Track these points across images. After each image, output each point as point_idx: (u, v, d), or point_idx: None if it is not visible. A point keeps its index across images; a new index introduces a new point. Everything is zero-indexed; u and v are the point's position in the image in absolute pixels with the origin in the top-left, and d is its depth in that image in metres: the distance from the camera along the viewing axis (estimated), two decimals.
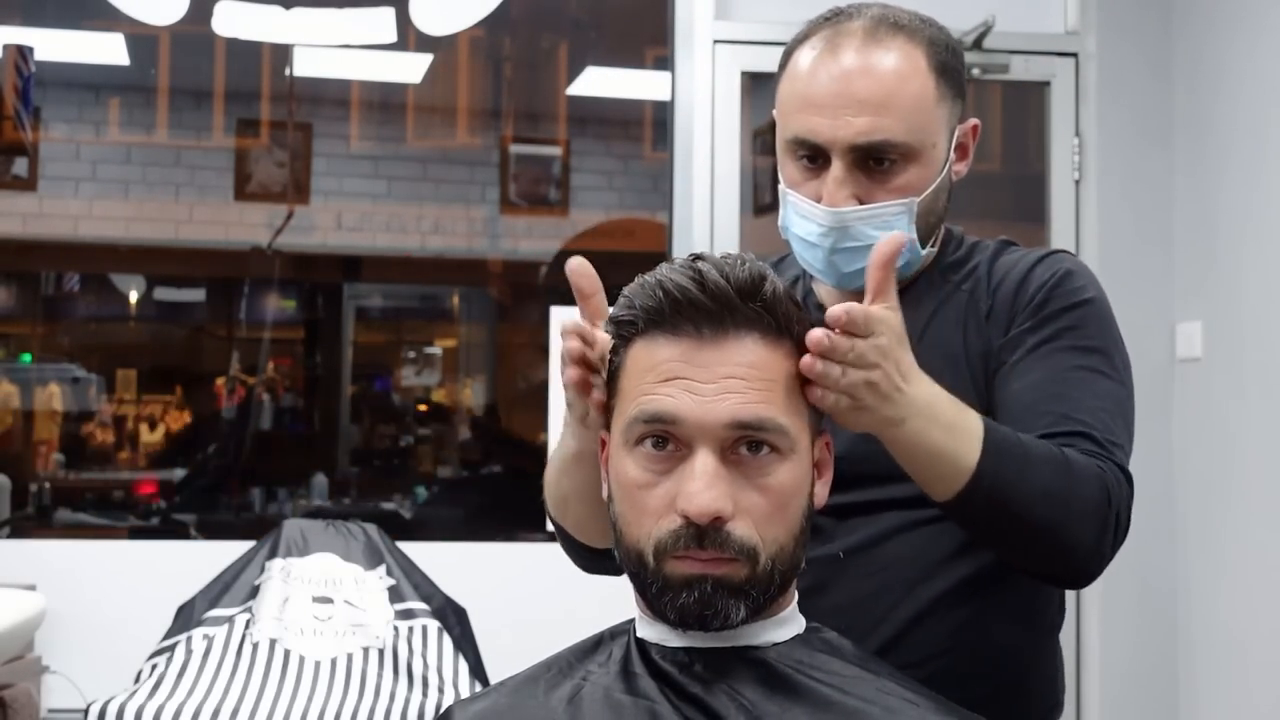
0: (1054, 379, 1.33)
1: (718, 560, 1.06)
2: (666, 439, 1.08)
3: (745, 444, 1.08)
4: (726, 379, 1.07)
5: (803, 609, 1.17)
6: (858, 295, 1.23)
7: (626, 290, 1.13)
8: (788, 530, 1.09)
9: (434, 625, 2.68)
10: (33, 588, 2.95)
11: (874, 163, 1.32)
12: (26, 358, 6.25)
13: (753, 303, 1.09)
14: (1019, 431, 1.25)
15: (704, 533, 1.05)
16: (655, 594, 1.08)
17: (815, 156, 1.33)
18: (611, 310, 1.15)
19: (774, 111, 1.40)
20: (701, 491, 1.05)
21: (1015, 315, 1.37)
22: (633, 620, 1.17)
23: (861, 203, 1.32)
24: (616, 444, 1.12)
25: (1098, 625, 3.21)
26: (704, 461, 1.06)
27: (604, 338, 1.14)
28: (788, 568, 1.10)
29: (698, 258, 1.11)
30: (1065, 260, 1.41)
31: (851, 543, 1.33)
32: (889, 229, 1.29)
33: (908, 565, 1.32)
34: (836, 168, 1.32)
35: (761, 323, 1.09)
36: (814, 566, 1.23)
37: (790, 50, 1.38)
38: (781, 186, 1.37)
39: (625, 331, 1.12)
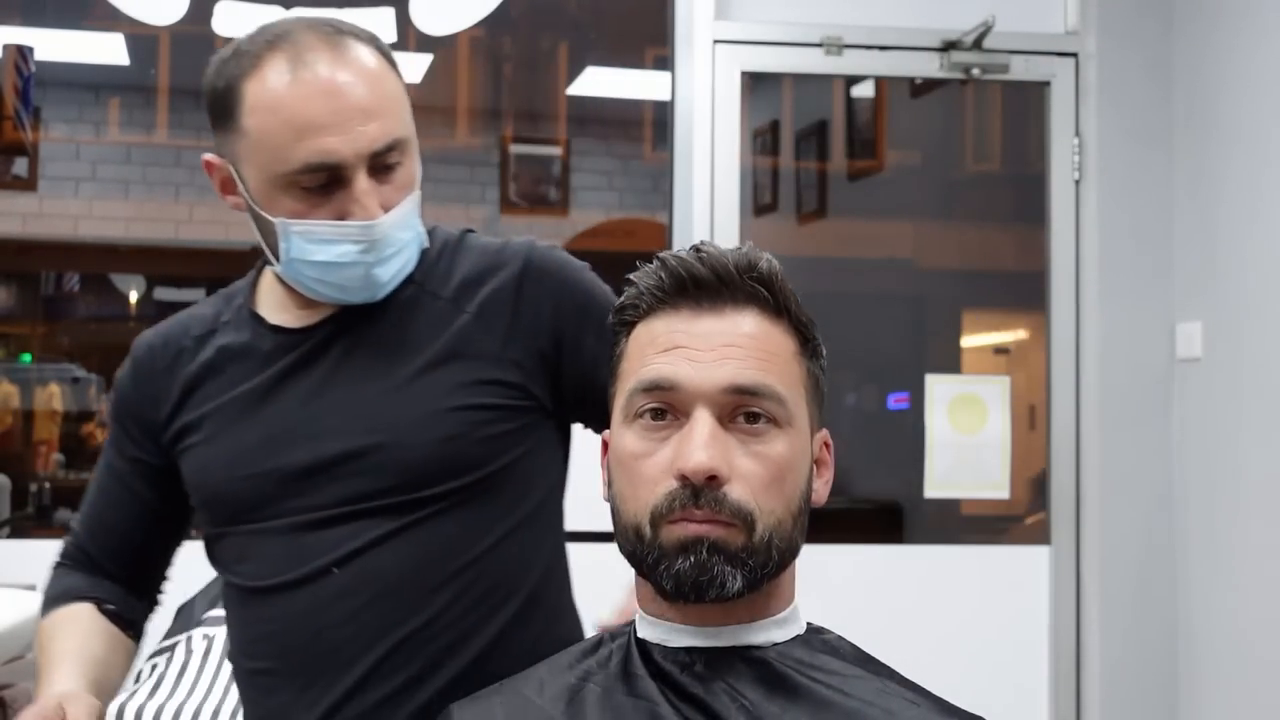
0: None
1: (713, 522, 1.06)
2: (665, 410, 1.09)
3: (743, 414, 1.08)
4: (725, 347, 1.09)
5: (282, 641, 1.31)
6: (319, 306, 1.38)
7: (632, 276, 1.15)
8: (785, 505, 1.09)
9: None
10: (33, 588, 2.95)
11: (383, 168, 1.34)
12: (26, 358, 6.25)
13: (750, 274, 1.10)
14: None
15: (699, 493, 1.06)
16: (652, 565, 1.08)
17: (327, 182, 1.31)
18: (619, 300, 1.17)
19: (236, 152, 1.34)
20: (698, 450, 1.06)
21: (565, 323, 1.40)
22: (633, 621, 1.17)
23: (385, 209, 1.34)
24: (616, 423, 1.13)
25: (1098, 625, 3.21)
26: (701, 422, 1.07)
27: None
28: (786, 546, 1.10)
29: (697, 246, 1.14)
30: (556, 252, 1.46)
31: (340, 555, 1.34)
32: (411, 229, 1.38)
33: (395, 572, 1.34)
34: (362, 180, 1.31)
35: (759, 299, 1.11)
36: (304, 590, 1.33)
37: (233, 87, 1.33)
38: (282, 222, 1.33)
39: (629, 315, 1.14)
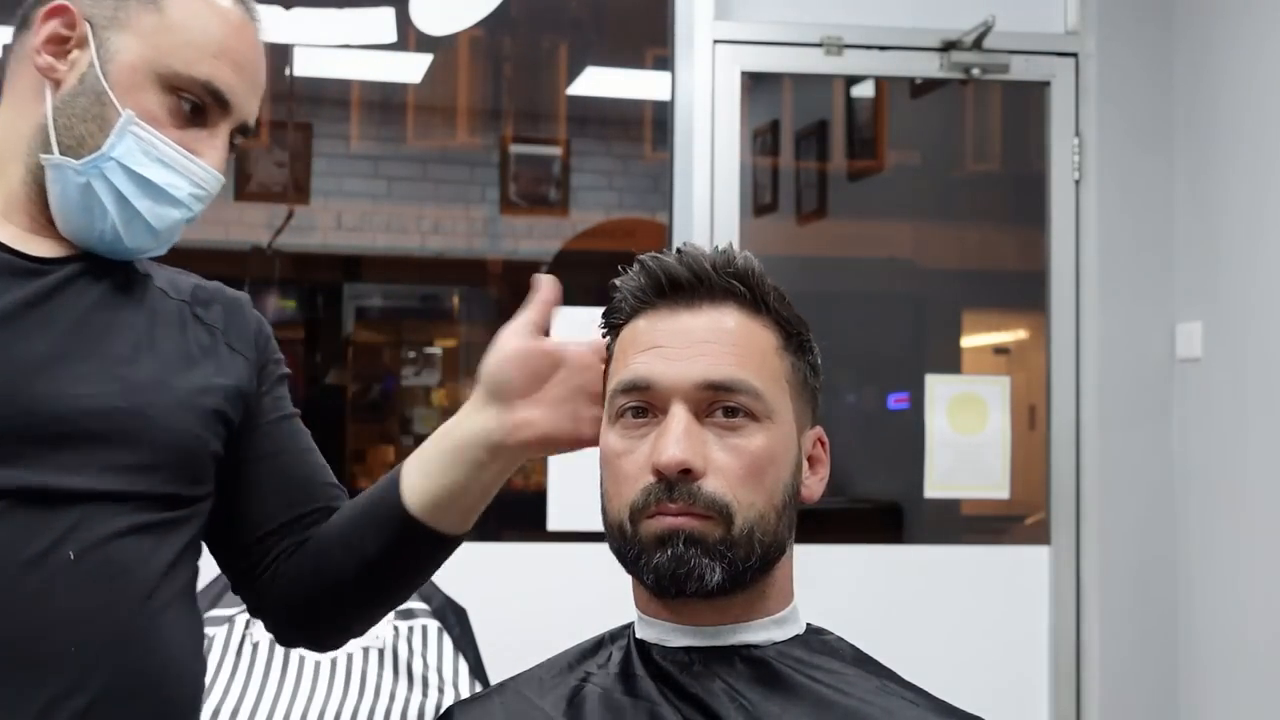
0: (311, 450, 1.36)
1: (689, 514, 1.07)
2: (645, 408, 1.10)
3: (721, 409, 1.09)
4: (701, 343, 1.10)
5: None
6: (48, 239, 1.20)
7: (616, 281, 1.16)
8: (766, 498, 1.09)
9: (434, 625, 2.68)
10: None
11: (231, 145, 1.26)
12: None
13: (727, 270, 1.12)
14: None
15: (674, 487, 1.07)
16: (634, 560, 1.09)
17: (198, 109, 1.22)
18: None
19: (122, 20, 1.21)
20: (670, 444, 1.07)
21: (257, 372, 1.33)
22: (633, 623, 1.17)
23: None
24: (603, 424, 1.14)
25: (1098, 625, 3.21)
26: (677, 418, 1.08)
27: None
28: (770, 540, 1.10)
29: (680, 247, 1.16)
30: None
31: (85, 542, 1.14)
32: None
33: (137, 573, 1.17)
34: (225, 132, 1.23)
35: (737, 294, 1.12)
36: (35, 569, 1.10)
37: None
38: (130, 115, 1.19)
39: (615, 319, 1.15)
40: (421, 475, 1.24)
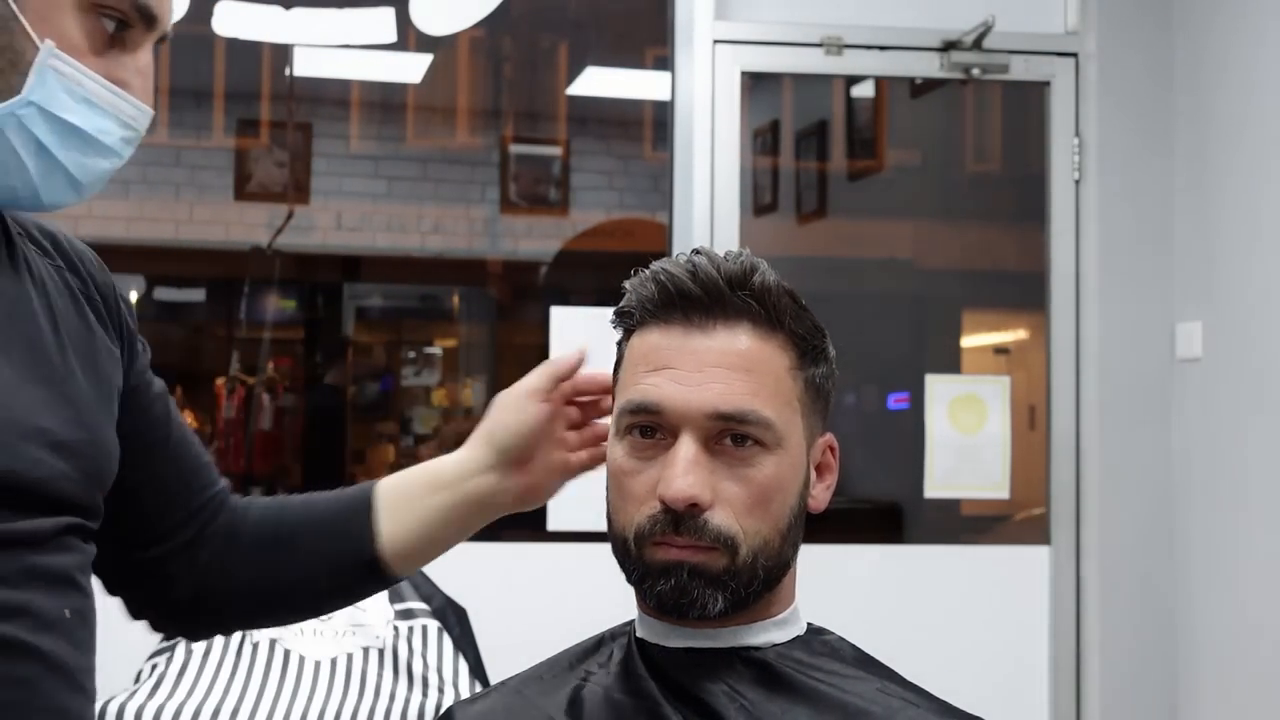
0: (186, 426, 1.24)
1: (694, 548, 1.06)
2: (654, 428, 1.09)
3: (729, 436, 1.08)
4: (713, 368, 1.08)
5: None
6: None
7: (627, 283, 1.14)
8: (772, 525, 1.09)
9: (434, 625, 2.68)
10: None
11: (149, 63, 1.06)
12: None
13: (742, 291, 1.09)
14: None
15: (680, 519, 1.06)
16: (637, 580, 1.10)
17: (121, 29, 1.00)
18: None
19: None
20: (678, 477, 1.05)
21: (125, 337, 1.15)
22: (633, 621, 1.17)
23: None
24: (611, 433, 1.14)
25: (1098, 625, 3.21)
26: (685, 448, 1.07)
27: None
28: (773, 563, 1.09)
29: (696, 252, 1.13)
30: None
31: (73, 597, 1.01)
32: None
33: (91, 623, 1.06)
34: (146, 55, 1.02)
35: (751, 313, 1.10)
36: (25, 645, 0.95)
37: None
38: (50, 49, 0.96)
39: (626, 324, 1.14)
40: (404, 523, 1.20)
